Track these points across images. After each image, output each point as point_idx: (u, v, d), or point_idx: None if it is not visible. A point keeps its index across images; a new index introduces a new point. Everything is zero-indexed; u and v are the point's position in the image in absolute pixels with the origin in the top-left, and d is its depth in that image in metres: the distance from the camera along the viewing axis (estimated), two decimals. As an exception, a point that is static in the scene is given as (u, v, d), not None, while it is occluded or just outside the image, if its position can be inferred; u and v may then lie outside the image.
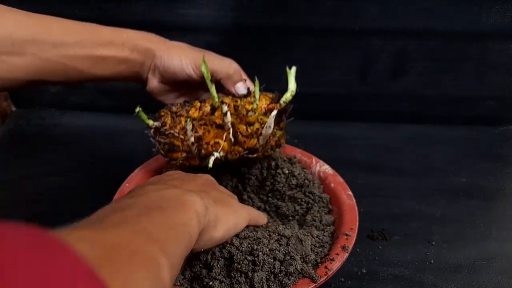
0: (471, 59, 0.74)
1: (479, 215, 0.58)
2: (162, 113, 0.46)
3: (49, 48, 0.43)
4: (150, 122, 0.46)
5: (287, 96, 0.45)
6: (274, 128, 0.46)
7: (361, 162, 0.68)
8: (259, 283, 0.35)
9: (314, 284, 0.37)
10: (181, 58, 0.47)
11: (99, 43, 0.45)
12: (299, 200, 0.48)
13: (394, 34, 0.72)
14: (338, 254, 0.40)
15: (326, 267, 0.38)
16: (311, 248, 0.40)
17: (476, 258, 0.50)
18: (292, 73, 0.45)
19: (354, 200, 0.47)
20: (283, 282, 0.36)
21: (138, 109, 0.44)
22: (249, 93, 0.48)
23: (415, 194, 0.61)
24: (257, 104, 0.45)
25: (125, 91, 0.77)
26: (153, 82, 0.49)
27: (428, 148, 0.73)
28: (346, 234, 0.42)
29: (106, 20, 0.71)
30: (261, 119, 0.46)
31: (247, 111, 0.45)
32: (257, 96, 0.45)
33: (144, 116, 0.45)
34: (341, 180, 0.50)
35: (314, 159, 0.54)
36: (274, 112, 0.45)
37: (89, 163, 0.66)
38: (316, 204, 0.48)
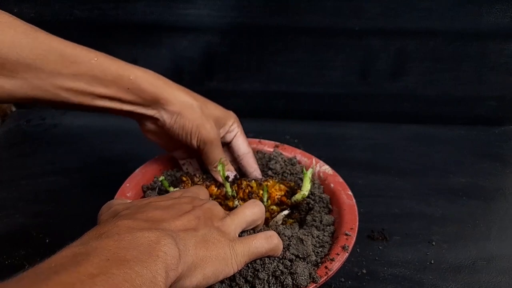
0: (471, 59, 0.74)
1: (479, 215, 0.58)
2: (184, 179, 0.49)
3: (44, 77, 0.40)
4: (171, 189, 0.47)
5: (298, 197, 0.46)
6: (283, 219, 0.47)
7: (361, 162, 0.68)
8: (261, 285, 0.35)
9: (314, 284, 0.37)
10: (191, 127, 0.46)
11: (99, 81, 0.42)
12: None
13: (394, 34, 0.72)
14: (338, 254, 0.40)
15: (326, 267, 0.38)
16: (311, 249, 0.40)
17: (476, 258, 0.50)
18: (308, 175, 0.46)
19: (354, 200, 0.47)
20: (284, 283, 0.36)
21: (161, 178, 0.47)
22: (233, 181, 0.49)
23: (415, 194, 0.61)
24: (268, 198, 0.47)
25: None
26: (149, 128, 0.48)
27: (428, 148, 0.73)
28: (346, 234, 0.42)
29: (106, 20, 0.72)
30: (272, 209, 0.47)
31: (260, 199, 0.47)
32: (264, 198, 0.46)
33: (166, 184, 0.47)
34: (341, 180, 0.50)
35: (314, 159, 0.54)
36: (285, 212, 0.46)
37: (89, 163, 0.66)
38: (316, 205, 0.48)
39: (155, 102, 0.44)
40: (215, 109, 0.48)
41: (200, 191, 0.43)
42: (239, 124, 0.51)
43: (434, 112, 0.80)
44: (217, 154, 0.48)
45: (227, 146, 0.52)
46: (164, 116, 0.45)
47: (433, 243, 0.52)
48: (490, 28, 0.71)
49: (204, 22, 0.71)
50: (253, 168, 0.51)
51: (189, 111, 0.45)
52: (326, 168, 0.52)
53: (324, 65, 0.76)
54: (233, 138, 0.51)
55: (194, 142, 0.47)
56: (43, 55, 0.39)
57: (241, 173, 0.52)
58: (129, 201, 0.39)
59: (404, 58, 0.75)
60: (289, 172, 0.52)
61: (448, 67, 0.75)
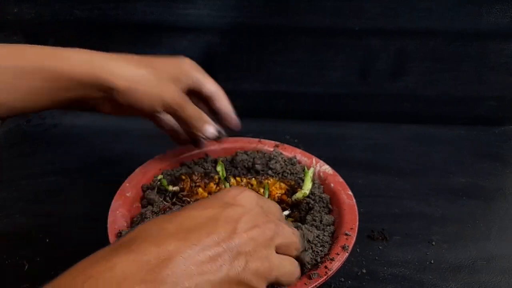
0: (471, 59, 0.74)
1: (479, 215, 0.58)
2: (183, 177, 0.48)
3: None
4: (170, 188, 0.47)
5: (299, 196, 0.46)
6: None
7: (361, 162, 0.68)
8: None
9: (314, 284, 0.37)
10: (150, 98, 0.42)
11: (24, 71, 0.37)
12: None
13: (394, 34, 0.72)
14: (338, 254, 0.40)
15: (326, 267, 0.38)
16: (312, 247, 0.40)
17: (476, 258, 0.50)
18: (310, 174, 0.46)
19: (354, 200, 0.47)
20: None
21: (160, 176, 0.47)
22: (219, 137, 0.47)
23: (415, 194, 0.61)
24: (268, 195, 0.46)
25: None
26: (106, 109, 0.44)
27: (428, 148, 0.73)
28: (346, 234, 0.42)
29: (106, 20, 0.72)
30: None
31: None
32: (265, 196, 0.46)
33: (165, 182, 0.47)
34: (341, 180, 0.50)
35: (314, 159, 0.54)
36: (285, 212, 0.46)
37: (89, 163, 0.66)
38: (316, 204, 0.48)
39: (97, 85, 0.40)
40: (167, 67, 0.44)
41: (274, 209, 0.36)
42: (198, 69, 0.47)
43: (434, 112, 0.80)
44: (191, 111, 0.45)
45: (197, 97, 0.48)
46: (115, 96, 0.41)
47: (433, 243, 0.52)
48: (490, 28, 0.71)
49: (204, 22, 0.71)
50: (227, 109, 0.48)
51: (140, 82, 0.41)
52: (326, 168, 0.52)
53: (324, 65, 0.76)
54: (198, 86, 0.47)
55: (161, 111, 0.43)
56: None
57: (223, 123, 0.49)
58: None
59: (404, 58, 0.75)
60: (289, 172, 0.53)
61: (448, 67, 0.75)
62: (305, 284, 0.37)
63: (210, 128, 0.46)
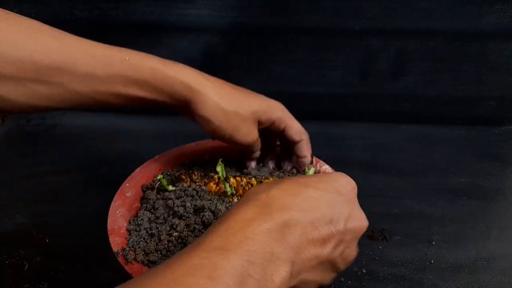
0: (471, 59, 0.74)
1: (479, 215, 0.58)
2: (183, 177, 0.49)
3: (78, 80, 0.39)
4: (170, 188, 0.47)
5: None
6: None
7: (361, 162, 0.68)
8: None
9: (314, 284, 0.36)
10: (223, 133, 0.45)
11: (132, 81, 0.41)
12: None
13: (394, 34, 0.72)
14: (338, 254, 0.40)
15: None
16: None
17: (476, 258, 0.50)
18: (310, 173, 0.47)
19: (354, 200, 0.47)
20: None
21: (159, 176, 0.47)
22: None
23: (415, 194, 0.61)
24: None
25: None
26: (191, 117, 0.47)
27: (428, 148, 0.73)
28: (346, 234, 0.42)
29: (106, 20, 0.72)
30: None
31: None
32: None
33: (164, 182, 0.47)
34: (341, 180, 0.50)
35: (314, 159, 0.54)
36: None
37: (89, 163, 0.66)
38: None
39: (187, 104, 0.43)
40: (253, 104, 0.46)
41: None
42: (287, 115, 0.50)
43: (434, 112, 0.80)
44: (255, 150, 0.50)
45: (279, 134, 0.51)
46: (196, 117, 0.45)
47: (433, 243, 0.53)
48: (490, 28, 0.71)
49: (204, 22, 0.71)
50: (303, 155, 0.51)
51: (220, 116, 0.44)
52: (326, 168, 0.52)
53: (324, 65, 0.76)
54: (282, 130, 0.50)
55: (230, 144, 0.47)
56: (73, 58, 0.39)
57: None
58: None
59: (404, 58, 0.75)
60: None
61: (448, 67, 0.75)
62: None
63: (252, 164, 0.53)
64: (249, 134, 0.47)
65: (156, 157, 0.54)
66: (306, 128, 0.52)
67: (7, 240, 0.51)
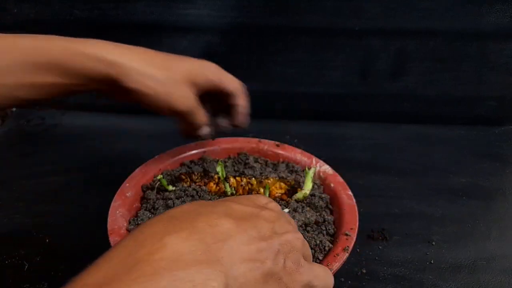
0: (471, 59, 0.74)
1: (479, 215, 0.58)
2: (183, 177, 0.49)
3: None
4: (170, 188, 0.47)
5: (299, 196, 0.46)
6: None
7: (361, 162, 0.68)
8: None
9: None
10: (158, 101, 0.41)
11: (38, 66, 0.36)
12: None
13: (394, 34, 0.72)
14: (338, 254, 0.40)
15: (326, 267, 0.38)
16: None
17: (476, 258, 0.50)
18: (310, 174, 0.46)
19: (354, 200, 0.47)
20: None
21: (159, 176, 0.47)
22: (211, 137, 0.49)
23: (415, 194, 0.61)
24: (268, 195, 0.47)
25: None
26: (115, 98, 0.43)
27: (428, 148, 0.73)
28: (346, 234, 0.42)
29: (106, 20, 0.71)
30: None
31: None
32: (266, 194, 0.46)
33: (164, 182, 0.47)
34: (341, 180, 0.50)
35: (314, 159, 0.54)
36: (285, 211, 0.45)
37: (89, 163, 0.66)
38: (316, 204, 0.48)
39: (111, 81, 0.39)
40: (183, 66, 0.43)
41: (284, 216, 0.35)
42: (218, 71, 0.46)
43: (434, 112, 0.80)
44: (199, 119, 0.45)
45: (214, 94, 0.47)
46: (126, 95, 0.40)
47: (433, 243, 0.52)
48: (490, 28, 0.71)
49: (204, 22, 0.71)
50: (239, 103, 0.48)
51: (150, 85, 0.40)
52: (326, 168, 0.52)
53: (324, 65, 0.75)
54: (217, 87, 0.46)
55: (168, 114, 0.43)
56: None
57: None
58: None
59: (404, 58, 0.75)
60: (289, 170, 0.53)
61: (448, 67, 0.75)
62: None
63: (205, 129, 0.47)
64: (186, 98, 0.43)
65: (156, 157, 0.54)
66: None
67: (7, 240, 0.51)
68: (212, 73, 0.45)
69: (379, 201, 0.59)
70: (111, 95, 0.42)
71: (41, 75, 0.37)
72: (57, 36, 0.38)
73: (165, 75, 0.41)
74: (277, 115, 0.80)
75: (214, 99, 0.48)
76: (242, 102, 0.48)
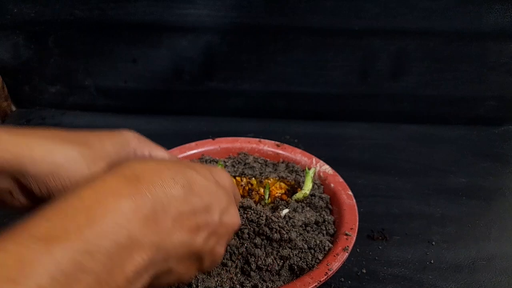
0: (471, 59, 0.74)
1: (479, 215, 0.58)
2: None
3: None
4: None
5: (299, 196, 0.46)
6: None
7: (361, 162, 0.68)
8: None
9: (314, 284, 0.37)
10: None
11: None
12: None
13: (394, 34, 0.72)
14: (338, 254, 0.40)
15: (326, 267, 0.38)
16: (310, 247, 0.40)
17: (476, 258, 0.50)
18: (310, 174, 0.46)
19: (354, 200, 0.47)
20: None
21: None
22: None
23: (415, 194, 0.61)
24: (268, 195, 0.47)
25: (125, 91, 0.77)
26: (16, 202, 0.31)
27: (428, 148, 0.73)
28: (346, 234, 0.42)
29: (106, 20, 0.71)
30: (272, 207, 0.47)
31: (260, 196, 0.46)
32: (266, 196, 0.46)
33: None
34: (341, 180, 0.50)
35: (314, 159, 0.54)
36: (285, 211, 0.45)
37: (89, 163, 0.66)
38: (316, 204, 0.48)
39: (8, 173, 0.29)
40: (105, 144, 0.33)
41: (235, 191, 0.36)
42: (144, 141, 0.37)
43: (434, 112, 0.80)
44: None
45: None
46: (32, 185, 0.30)
47: (433, 243, 0.52)
48: (490, 28, 0.71)
49: (204, 22, 0.71)
50: None
51: (67, 167, 0.30)
52: (326, 168, 0.52)
53: (324, 65, 0.76)
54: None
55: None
56: None
57: None
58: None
59: (404, 58, 0.75)
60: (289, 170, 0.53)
61: (448, 67, 0.75)
62: (306, 284, 0.37)
63: None
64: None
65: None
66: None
67: (7, 240, 0.51)
68: (136, 145, 0.37)
69: (379, 201, 0.59)
70: (10, 197, 0.31)
71: None
72: None
73: (85, 154, 0.32)
74: (277, 115, 0.80)
75: None
76: None
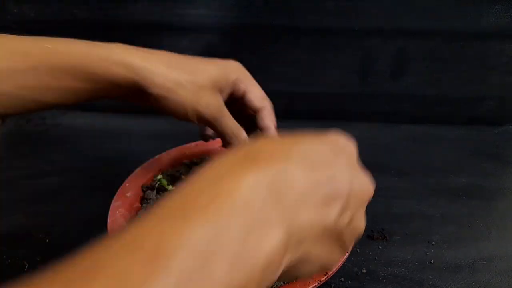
0: (471, 59, 0.74)
1: (479, 215, 0.58)
2: (183, 177, 0.49)
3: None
4: (170, 188, 0.47)
5: None
6: None
7: (361, 162, 0.68)
8: None
9: (314, 284, 0.37)
10: (185, 108, 0.39)
11: (60, 70, 0.36)
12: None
13: (394, 34, 0.72)
14: (338, 254, 0.40)
15: (326, 267, 0.38)
16: None
17: (476, 258, 0.50)
18: None
19: (354, 200, 0.47)
20: None
21: (159, 176, 0.46)
22: None
23: (415, 194, 0.61)
24: None
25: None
26: (141, 104, 0.41)
27: (428, 148, 0.73)
28: (346, 234, 0.42)
29: (106, 20, 0.71)
30: None
31: None
32: None
33: (164, 182, 0.47)
34: (341, 180, 0.50)
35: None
36: None
37: (89, 163, 0.66)
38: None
39: (134, 87, 0.38)
40: (209, 70, 0.41)
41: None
42: (246, 76, 0.44)
43: (434, 112, 0.80)
44: (227, 125, 0.42)
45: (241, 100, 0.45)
46: (150, 101, 0.39)
47: (433, 243, 0.52)
48: (490, 28, 0.71)
49: (204, 22, 0.71)
50: (266, 127, 0.45)
51: (174, 90, 0.38)
52: (326, 168, 0.52)
53: (324, 65, 0.76)
54: (241, 95, 0.44)
55: (196, 121, 0.41)
56: None
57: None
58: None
59: (404, 58, 0.75)
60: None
61: (448, 67, 0.75)
62: (306, 284, 0.37)
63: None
64: (212, 104, 0.41)
65: (156, 157, 0.54)
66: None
67: (7, 240, 0.51)
68: (236, 79, 0.43)
69: (379, 201, 0.59)
70: (136, 101, 0.40)
71: (66, 80, 0.36)
72: (78, 40, 0.38)
73: (190, 79, 0.39)
74: (277, 115, 0.79)
75: (237, 108, 0.45)
76: (270, 124, 0.45)
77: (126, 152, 0.68)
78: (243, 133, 0.43)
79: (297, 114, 0.81)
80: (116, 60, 0.37)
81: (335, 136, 0.30)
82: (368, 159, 0.70)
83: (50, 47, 0.36)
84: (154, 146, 0.57)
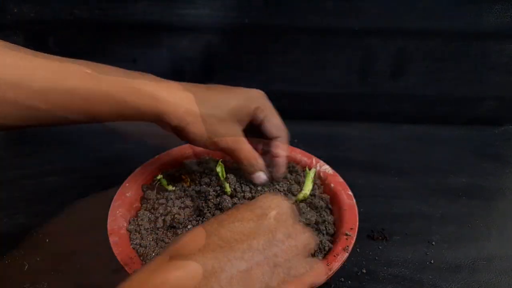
0: (471, 59, 0.74)
1: (479, 215, 0.58)
2: (183, 177, 0.49)
3: (36, 96, 0.36)
4: (170, 188, 0.47)
5: (299, 197, 0.46)
6: None
7: (361, 162, 0.68)
8: None
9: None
10: (202, 140, 0.42)
11: (93, 94, 0.38)
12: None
13: (394, 34, 0.72)
14: (338, 254, 0.40)
15: (326, 267, 0.38)
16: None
17: (476, 258, 0.50)
18: (311, 175, 0.46)
19: (354, 200, 0.47)
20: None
21: (159, 176, 0.47)
22: (267, 182, 0.46)
23: (415, 194, 0.61)
24: None
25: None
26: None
27: (428, 148, 0.73)
28: (346, 234, 0.42)
29: (106, 20, 0.71)
30: None
31: None
32: None
33: (164, 182, 0.47)
34: (341, 180, 0.50)
35: (314, 159, 0.54)
36: None
37: (89, 163, 0.66)
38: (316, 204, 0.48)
39: (157, 116, 0.41)
40: (230, 103, 0.43)
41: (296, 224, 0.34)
42: (266, 105, 0.46)
43: (434, 112, 0.80)
44: (244, 156, 0.44)
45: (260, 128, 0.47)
46: (172, 129, 0.42)
47: (433, 243, 0.52)
48: (490, 28, 0.71)
49: (204, 22, 0.71)
50: (277, 155, 0.46)
51: (194, 123, 0.41)
52: (326, 168, 0.52)
53: (324, 65, 0.76)
54: (260, 123, 0.46)
55: (213, 150, 0.44)
56: (30, 73, 0.36)
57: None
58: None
59: (404, 58, 0.75)
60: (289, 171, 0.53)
61: (448, 67, 0.75)
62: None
63: (261, 177, 0.45)
64: (229, 135, 0.43)
65: (156, 157, 0.54)
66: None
67: (7, 240, 0.51)
68: (257, 108, 0.45)
69: (379, 201, 0.59)
70: (160, 126, 0.44)
71: (95, 103, 0.39)
72: (113, 68, 0.41)
73: (210, 114, 0.42)
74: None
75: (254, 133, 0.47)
76: (282, 153, 0.46)
77: (126, 152, 0.68)
78: (259, 162, 0.45)
79: (297, 114, 0.81)
80: (146, 91, 0.40)
81: (263, 201, 0.34)
82: (368, 159, 0.70)
83: (88, 72, 0.39)
84: (154, 146, 0.57)
